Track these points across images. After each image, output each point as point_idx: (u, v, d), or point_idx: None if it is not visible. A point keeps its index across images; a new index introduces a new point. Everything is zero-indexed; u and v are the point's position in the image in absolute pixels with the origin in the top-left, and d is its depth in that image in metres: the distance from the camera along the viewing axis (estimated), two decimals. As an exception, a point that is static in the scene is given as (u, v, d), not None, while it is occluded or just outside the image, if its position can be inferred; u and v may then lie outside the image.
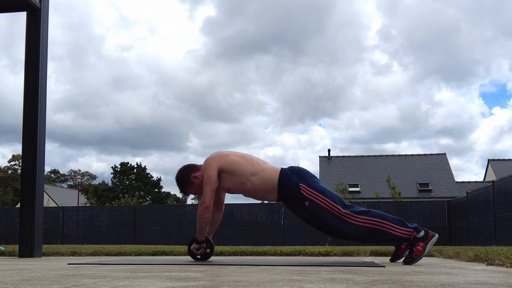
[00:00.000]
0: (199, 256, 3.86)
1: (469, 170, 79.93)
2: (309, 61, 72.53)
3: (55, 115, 70.20)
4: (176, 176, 3.84)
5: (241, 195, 3.77)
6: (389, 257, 4.31)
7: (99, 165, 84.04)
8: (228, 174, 3.62)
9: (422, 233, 3.50)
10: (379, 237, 3.56)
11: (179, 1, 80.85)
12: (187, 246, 4.03)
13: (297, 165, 3.79)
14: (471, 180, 32.52)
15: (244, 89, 77.22)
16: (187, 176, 3.75)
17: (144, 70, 76.72)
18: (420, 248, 3.45)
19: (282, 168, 3.67)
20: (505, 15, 59.31)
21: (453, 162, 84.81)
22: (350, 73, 70.01)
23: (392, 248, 5.72)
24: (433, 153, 33.68)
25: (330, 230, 3.63)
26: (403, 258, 3.58)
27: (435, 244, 3.72)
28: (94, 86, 75.93)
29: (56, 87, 70.69)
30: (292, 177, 3.59)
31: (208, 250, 3.88)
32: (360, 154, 34.47)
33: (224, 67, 76.45)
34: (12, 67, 75.22)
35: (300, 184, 3.54)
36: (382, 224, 3.50)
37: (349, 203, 3.62)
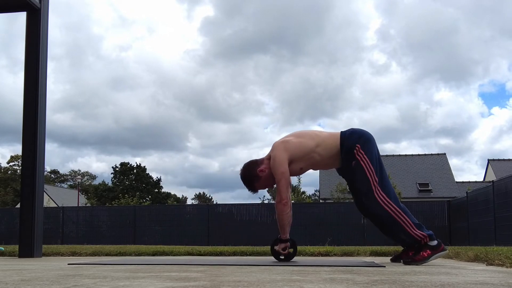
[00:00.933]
0: (282, 257, 3.76)
1: (468, 170, 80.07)
2: (308, 61, 72.72)
3: (54, 115, 70.25)
4: (242, 174, 3.78)
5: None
6: (390, 257, 4.31)
7: (99, 165, 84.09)
8: (297, 159, 3.64)
9: (435, 242, 3.52)
10: (393, 228, 3.57)
11: (177, 1, 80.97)
12: (270, 247, 3.92)
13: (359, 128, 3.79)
14: (471, 180, 32.54)
15: (243, 89, 77.33)
16: (254, 172, 3.72)
17: (143, 70, 76.79)
18: (426, 255, 3.45)
19: (342, 132, 3.71)
20: (504, 15, 59.42)
21: (453, 162, 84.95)
22: (349, 73, 70.21)
23: (392, 248, 5.73)
24: (433, 153, 33.70)
25: (359, 196, 3.68)
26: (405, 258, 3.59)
27: None
28: (93, 86, 75.98)
29: (55, 87, 70.68)
30: (352, 138, 3.64)
31: (291, 250, 3.80)
32: (360, 154, 34.44)
33: (222, 67, 76.57)
34: (11, 67, 75.20)
35: (357, 144, 3.60)
36: (402, 217, 3.52)
37: (388, 182, 3.64)
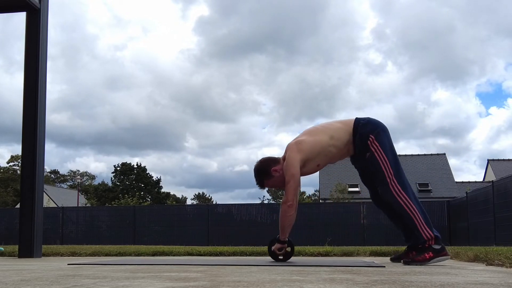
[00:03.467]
0: (281, 257, 3.76)
1: (467, 170, 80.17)
2: (304, 61, 72.79)
3: (51, 115, 70.18)
4: (256, 167, 3.76)
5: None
6: (389, 257, 4.30)
7: (97, 165, 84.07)
8: (313, 157, 3.62)
9: (439, 246, 3.50)
10: (404, 221, 3.56)
11: (172, 1, 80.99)
12: (267, 247, 3.91)
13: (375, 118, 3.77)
14: (470, 180, 32.56)
15: (239, 89, 77.42)
16: (268, 169, 3.69)
17: (139, 70, 76.88)
18: (427, 257, 3.44)
19: (357, 118, 3.70)
20: (499, 14, 59.53)
21: (451, 162, 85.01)
22: (345, 73, 70.37)
23: (392, 248, 5.73)
24: (432, 153, 33.70)
25: (374, 188, 3.71)
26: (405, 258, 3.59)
27: None
28: (89, 86, 76.01)
29: (51, 87, 70.91)
30: (367, 126, 3.62)
31: (288, 249, 3.80)
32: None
33: (218, 67, 76.61)
34: (7, 67, 75.09)
35: (370, 135, 3.58)
36: (414, 212, 3.50)
37: (404, 175, 3.61)
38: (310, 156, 3.60)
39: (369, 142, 3.56)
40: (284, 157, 3.68)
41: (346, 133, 3.63)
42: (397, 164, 3.60)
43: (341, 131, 3.64)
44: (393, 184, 3.53)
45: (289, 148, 3.65)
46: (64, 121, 75.97)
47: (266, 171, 3.71)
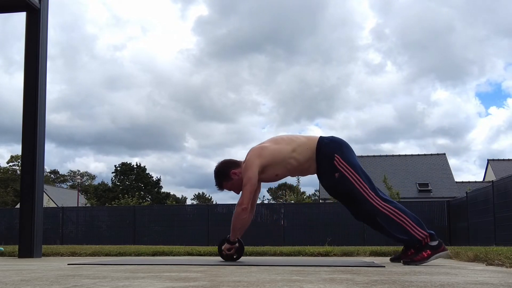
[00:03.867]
0: (227, 257, 3.81)
1: (467, 170, 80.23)
2: (303, 60, 72.87)
3: (51, 115, 70.28)
4: (216, 168, 3.78)
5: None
6: (389, 257, 4.31)
7: (97, 165, 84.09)
8: (273, 165, 3.62)
9: (435, 242, 3.50)
10: (394, 229, 3.55)
11: (171, 1, 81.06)
12: (217, 246, 3.97)
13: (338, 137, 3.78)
14: (470, 180, 32.56)
15: (239, 89, 77.48)
16: (227, 171, 3.71)
17: (138, 70, 76.96)
18: (425, 255, 3.44)
19: (320, 137, 3.71)
20: (498, 14, 59.55)
21: (451, 162, 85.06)
22: (344, 73, 70.45)
23: (392, 248, 5.73)
24: (432, 153, 33.70)
25: (351, 205, 3.69)
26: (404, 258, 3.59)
27: None
28: (89, 86, 76.07)
29: (50, 87, 70.78)
30: (330, 145, 3.63)
31: (235, 256, 3.85)
32: (359, 155, 34.44)
33: (217, 67, 76.70)
34: (6, 67, 75.13)
35: (335, 154, 3.58)
36: (401, 217, 3.51)
37: (377, 187, 3.64)
38: (270, 163, 3.61)
39: (335, 162, 3.57)
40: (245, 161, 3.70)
41: (309, 149, 3.64)
42: (368, 177, 3.61)
43: (305, 146, 3.65)
44: (373, 198, 3.53)
45: (250, 152, 3.67)
46: (63, 121, 76.08)
47: (225, 173, 3.72)
